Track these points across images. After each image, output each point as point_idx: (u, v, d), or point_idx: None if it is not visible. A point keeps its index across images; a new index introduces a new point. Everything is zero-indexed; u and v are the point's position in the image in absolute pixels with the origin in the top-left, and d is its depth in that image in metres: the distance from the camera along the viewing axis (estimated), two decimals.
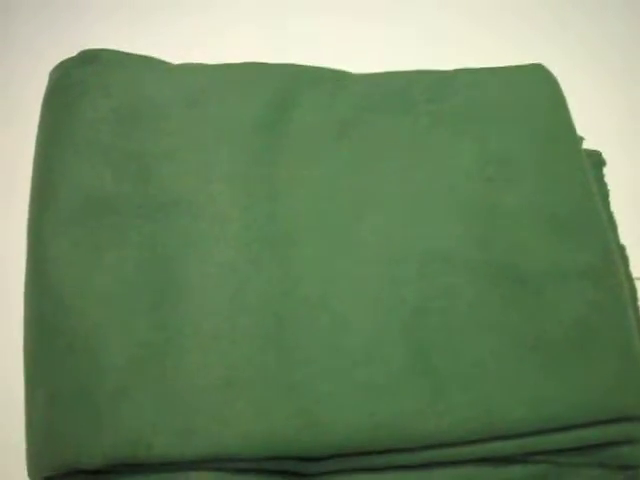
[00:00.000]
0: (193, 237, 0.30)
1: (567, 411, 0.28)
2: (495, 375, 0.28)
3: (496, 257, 0.31)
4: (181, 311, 0.29)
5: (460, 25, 0.44)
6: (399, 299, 0.29)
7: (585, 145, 0.36)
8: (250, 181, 0.32)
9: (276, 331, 0.28)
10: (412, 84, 0.35)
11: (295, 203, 0.31)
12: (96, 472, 0.27)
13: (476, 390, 0.28)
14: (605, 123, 0.40)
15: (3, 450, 0.30)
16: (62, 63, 0.35)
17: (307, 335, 0.28)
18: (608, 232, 0.32)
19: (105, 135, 0.32)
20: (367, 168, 0.33)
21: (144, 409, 0.27)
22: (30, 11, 0.43)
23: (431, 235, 0.31)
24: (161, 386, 0.27)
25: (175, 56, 0.36)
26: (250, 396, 0.27)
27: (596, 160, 0.37)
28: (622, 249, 0.34)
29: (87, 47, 0.35)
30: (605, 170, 0.37)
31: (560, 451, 0.28)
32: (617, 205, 0.35)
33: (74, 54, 0.35)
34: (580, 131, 0.34)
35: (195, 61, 0.36)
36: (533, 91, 0.35)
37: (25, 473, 0.27)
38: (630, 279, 0.33)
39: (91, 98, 0.33)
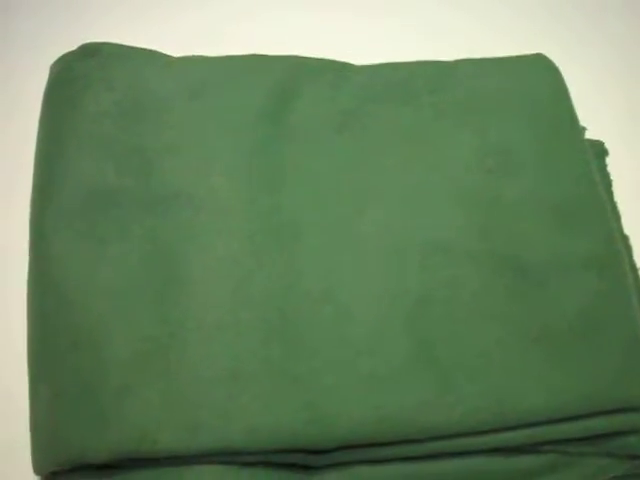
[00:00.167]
0: (196, 230, 0.30)
1: (573, 401, 0.27)
2: (501, 365, 0.28)
3: (498, 248, 0.30)
4: (183, 305, 0.29)
5: (460, 19, 0.44)
6: (402, 290, 0.29)
7: (587, 135, 0.36)
8: (252, 173, 0.32)
9: (280, 324, 0.28)
10: (414, 75, 0.35)
11: (298, 195, 0.31)
12: (101, 467, 0.27)
13: (484, 380, 0.28)
14: (607, 113, 0.39)
15: (6, 447, 0.30)
16: (63, 57, 0.35)
17: (311, 327, 0.28)
18: (611, 222, 0.31)
19: (107, 128, 0.32)
20: (369, 159, 0.33)
21: (149, 404, 0.27)
22: (31, 5, 0.43)
23: (433, 226, 0.31)
24: (165, 381, 0.27)
25: (176, 51, 0.36)
26: (255, 390, 0.27)
27: (598, 150, 0.37)
28: (626, 239, 0.34)
29: (88, 41, 0.35)
30: (607, 160, 0.37)
31: (568, 441, 0.28)
32: (620, 195, 0.35)
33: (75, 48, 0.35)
34: (582, 121, 0.34)
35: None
36: (535, 81, 0.35)
37: (28, 469, 0.27)
38: (634, 269, 0.33)
39: (93, 91, 0.33)
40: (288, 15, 0.44)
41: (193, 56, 0.36)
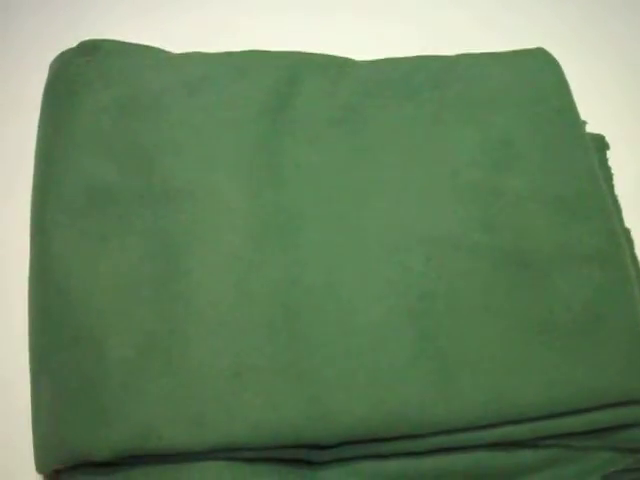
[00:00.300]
0: (197, 226, 0.30)
1: (577, 394, 0.27)
2: (504, 359, 0.28)
3: (501, 241, 0.30)
4: (186, 300, 0.28)
5: (460, 18, 0.44)
6: (405, 284, 0.29)
7: (588, 129, 0.36)
8: (253, 168, 0.32)
9: (283, 319, 0.28)
10: (416, 70, 0.35)
11: (299, 190, 0.31)
12: (104, 464, 0.26)
13: (486, 374, 0.28)
14: (607, 107, 0.39)
15: (8, 445, 0.29)
16: (63, 54, 0.35)
17: (314, 323, 0.28)
18: (613, 215, 0.31)
19: (107, 125, 0.32)
20: (371, 154, 0.33)
21: (152, 400, 0.27)
22: (31, 4, 0.43)
23: (436, 220, 0.31)
24: (168, 376, 0.27)
25: (177, 49, 0.36)
26: (259, 385, 0.27)
27: (599, 144, 0.37)
28: (627, 232, 0.34)
29: (88, 38, 0.35)
30: (608, 154, 0.37)
31: (571, 435, 0.28)
32: (620, 189, 0.35)
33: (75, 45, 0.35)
34: (583, 116, 0.34)
35: None
36: (536, 75, 0.35)
37: (31, 467, 0.27)
38: (636, 262, 0.33)
39: (92, 88, 0.33)
40: (288, 14, 0.44)
41: (192, 52, 0.36)
